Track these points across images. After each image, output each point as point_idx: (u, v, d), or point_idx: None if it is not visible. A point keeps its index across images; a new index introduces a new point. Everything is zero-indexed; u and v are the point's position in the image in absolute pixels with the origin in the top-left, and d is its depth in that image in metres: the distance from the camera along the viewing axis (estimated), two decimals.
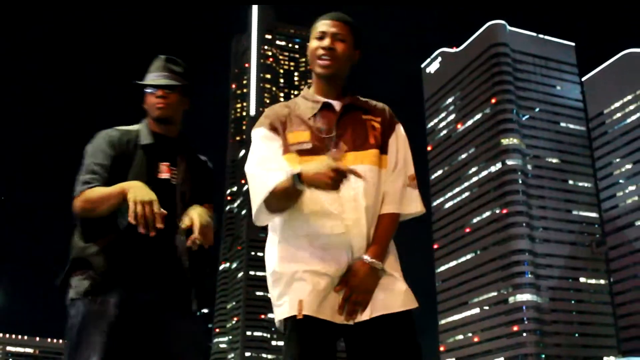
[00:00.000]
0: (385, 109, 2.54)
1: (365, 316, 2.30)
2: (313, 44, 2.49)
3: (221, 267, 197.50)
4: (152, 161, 2.69)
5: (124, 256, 2.58)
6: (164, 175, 2.69)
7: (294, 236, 2.38)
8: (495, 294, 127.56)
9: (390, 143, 2.47)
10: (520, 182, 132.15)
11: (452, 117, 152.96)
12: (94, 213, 2.57)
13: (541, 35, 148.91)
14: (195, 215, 2.52)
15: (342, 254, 2.33)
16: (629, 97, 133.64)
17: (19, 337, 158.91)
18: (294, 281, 2.34)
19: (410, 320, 2.34)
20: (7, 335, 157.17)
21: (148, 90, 2.77)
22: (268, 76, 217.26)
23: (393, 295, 2.33)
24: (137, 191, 2.46)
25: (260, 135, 2.45)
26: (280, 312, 2.35)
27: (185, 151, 2.79)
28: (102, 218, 2.59)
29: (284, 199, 2.32)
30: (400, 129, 2.53)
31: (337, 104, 2.46)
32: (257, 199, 2.35)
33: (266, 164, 2.38)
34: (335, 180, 2.18)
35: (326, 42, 2.45)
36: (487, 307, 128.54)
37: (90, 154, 2.67)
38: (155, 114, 2.74)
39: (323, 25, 2.48)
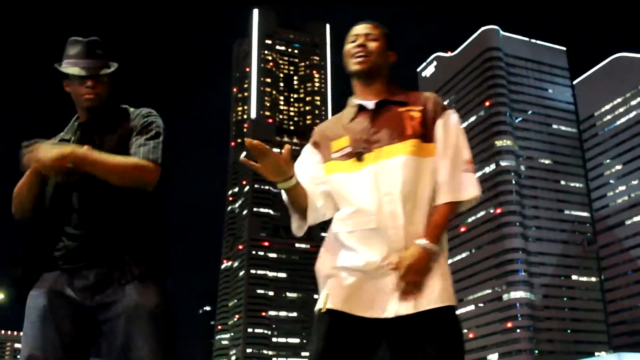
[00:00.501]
0: (430, 98, 2.53)
1: (407, 310, 2.28)
2: (347, 46, 2.56)
3: (223, 266, 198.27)
4: None
5: (43, 244, 2.58)
6: None
7: (334, 234, 2.47)
8: (489, 291, 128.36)
9: (436, 131, 2.45)
10: (513, 182, 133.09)
11: None
12: (19, 207, 2.59)
13: (533, 40, 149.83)
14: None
15: (376, 251, 2.34)
16: (619, 100, 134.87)
17: None
18: (327, 278, 2.43)
19: (452, 317, 2.33)
20: (15, 333, 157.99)
21: (73, 77, 2.64)
22: (268, 80, 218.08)
23: (433, 291, 2.31)
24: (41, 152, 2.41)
25: (304, 150, 2.62)
26: (316, 306, 2.43)
27: (106, 124, 2.66)
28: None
29: (290, 204, 2.52)
30: (450, 116, 2.49)
31: (370, 104, 2.51)
32: (293, 217, 2.57)
33: (300, 177, 2.48)
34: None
35: (359, 40, 2.53)
36: (481, 304, 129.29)
37: None
38: (85, 104, 2.65)
39: (355, 30, 2.57)
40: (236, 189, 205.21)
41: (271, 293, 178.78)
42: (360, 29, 2.56)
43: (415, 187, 2.37)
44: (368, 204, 2.36)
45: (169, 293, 2.55)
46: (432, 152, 2.43)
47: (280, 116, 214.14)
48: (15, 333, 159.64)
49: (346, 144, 2.46)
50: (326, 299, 2.35)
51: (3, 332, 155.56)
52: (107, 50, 2.69)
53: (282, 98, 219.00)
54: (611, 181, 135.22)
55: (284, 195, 2.48)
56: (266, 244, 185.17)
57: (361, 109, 2.52)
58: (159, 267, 2.57)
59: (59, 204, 2.57)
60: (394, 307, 2.29)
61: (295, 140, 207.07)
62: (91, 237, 2.53)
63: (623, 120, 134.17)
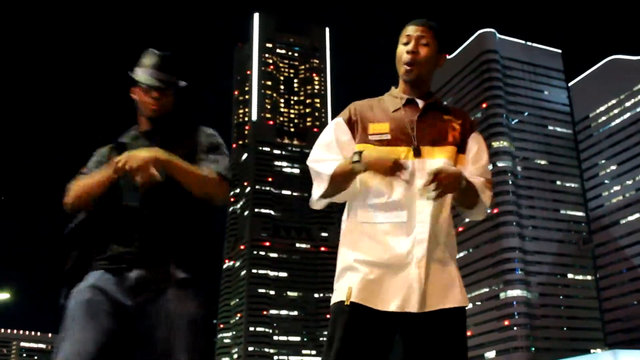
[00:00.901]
0: (467, 115, 2.62)
1: (421, 308, 2.30)
2: (400, 48, 2.56)
3: (225, 266, 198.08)
4: (120, 153, 2.61)
5: (90, 241, 2.63)
6: None
7: (358, 224, 2.45)
8: (487, 290, 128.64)
9: (469, 144, 2.53)
10: (510, 183, 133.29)
11: None
12: (80, 203, 2.63)
13: (529, 43, 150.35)
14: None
15: (402, 244, 2.35)
16: (613, 102, 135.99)
17: (32, 333, 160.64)
18: (348, 270, 2.41)
19: (463, 318, 2.38)
20: (21, 332, 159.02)
21: (142, 86, 2.73)
22: (269, 83, 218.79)
23: (451, 291, 2.35)
24: (129, 156, 2.48)
25: (336, 122, 2.57)
26: (333, 297, 2.43)
27: (167, 134, 2.74)
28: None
29: (340, 181, 2.42)
30: (480, 137, 2.58)
31: (420, 102, 2.53)
32: (318, 188, 2.50)
33: (328, 152, 2.50)
34: (392, 169, 2.30)
35: (411, 45, 2.51)
36: (479, 303, 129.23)
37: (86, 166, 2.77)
38: (148, 114, 2.73)
39: (409, 30, 2.55)
40: (237, 190, 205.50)
41: (272, 292, 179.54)
42: (414, 30, 2.56)
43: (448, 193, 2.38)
44: (402, 197, 2.39)
45: (209, 300, 2.64)
46: (463, 162, 2.51)
47: (281, 118, 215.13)
48: (21, 332, 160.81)
49: (385, 130, 2.47)
50: (349, 293, 2.34)
51: (9, 330, 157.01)
52: (179, 67, 2.81)
53: (282, 100, 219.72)
54: (606, 181, 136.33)
55: (343, 173, 2.44)
56: (267, 244, 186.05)
57: (409, 102, 2.55)
58: (201, 274, 2.64)
59: (112, 205, 2.64)
60: (416, 302, 2.31)
61: (295, 142, 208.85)
62: (141, 240, 2.59)
63: (617, 121, 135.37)
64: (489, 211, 2.58)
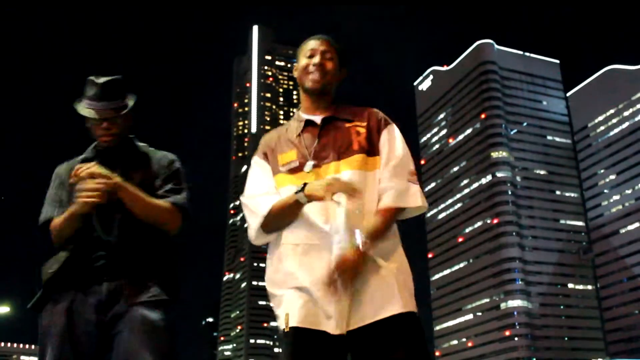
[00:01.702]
0: (373, 113, 2.55)
1: (360, 323, 2.25)
2: (303, 61, 2.58)
3: (225, 278, 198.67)
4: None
5: (65, 263, 2.62)
6: None
7: (282, 246, 2.42)
8: (487, 300, 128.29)
9: (380, 144, 2.48)
10: (509, 193, 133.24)
11: (443, 132, 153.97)
12: (60, 240, 2.68)
13: (527, 54, 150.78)
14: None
15: (322, 263, 2.30)
16: (612, 111, 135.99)
17: (32, 346, 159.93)
18: (282, 295, 2.38)
19: (412, 323, 2.29)
20: (21, 345, 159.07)
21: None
22: (268, 95, 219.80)
23: (384, 300, 2.27)
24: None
25: (253, 162, 2.60)
26: (279, 324, 2.39)
27: (126, 158, 2.76)
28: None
29: (283, 215, 2.39)
30: (392, 129, 2.52)
31: (318, 119, 2.52)
32: (253, 224, 2.46)
33: (257, 188, 2.50)
34: (327, 189, 2.27)
35: (316, 59, 2.54)
36: (480, 313, 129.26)
37: (50, 187, 2.84)
38: (102, 145, 2.76)
39: (312, 44, 2.59)
40: (237, 202, 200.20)
41: (273, 304, 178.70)
42: (317, 44, 2.59)
43: (362, 201, 2.36)
44: (314, 218, 2.36)
45: (172, 317, 2.63)
46: (378, 165, 2.46)
47: None
48: (21, 345, 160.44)
49: (293, 157, 2.48)
50: (287, 319, 2.32)
51: (9, 344, 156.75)
52: (123, 88, 2.77)
53: (282, 112, 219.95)
54: (605, 191, 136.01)
55: (288, 208, 2.40)
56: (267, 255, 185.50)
57: (308, 123, 2.55)
58: (167, 295, 2.64)
59: (83, 226, 2.66)
60: (348, 319, 2.28)
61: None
62: (109, 258, 2.61)
63: (616, 131, 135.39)
64: (422, 204, 2.46)
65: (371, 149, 2.48)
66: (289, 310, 2.34)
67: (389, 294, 2.30)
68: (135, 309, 2.55)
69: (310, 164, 2.45)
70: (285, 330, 2.32)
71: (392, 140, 2.52)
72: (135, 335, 2.49)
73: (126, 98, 2.78)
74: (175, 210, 2.70)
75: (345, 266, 2.26)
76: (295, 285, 2.36)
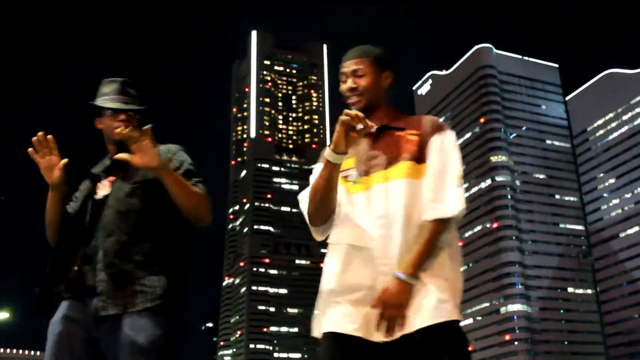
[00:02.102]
0: (427, 121, 2.53)
1: (398, 334, 2.25)
2: (342, 87, 2.59)
3: (225, 283, 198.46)
4: (94, 183, 2.78)
5: (60, 268, 2.63)
6: (103, 191, 2.74)
7: (331, 249, 2.48)
8: (487, 304, 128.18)
9: (428, 150, 2.45)
10: (509, 197, 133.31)
11: None
12: (50, 232, 2.76)
13: (526, 58, 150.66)
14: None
15: (369, 270, 2.33)
16: (611, 115, 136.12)
17: (32, 352, 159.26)
18: (323, 300, 2.43)
19: (446, 334, 2.25)
20: (20, 351, 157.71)
21: (107, 113, 2.74)
22: (267, 100, 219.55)
23: (425, 310, 2.25)
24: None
25: (317, 165, 2.62)
26: (313, 331, 2.44)
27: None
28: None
29: (320, 191, 2.44)
30: (445, 136, 2.47)
31: (373, 128, 2.51)
32: (305, 215, 2.55)
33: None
34: (343, 124, 2.34)
35: (348, 83, 2.55)
36: (479, 318, 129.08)
37: None
38: (117, 137, 2.65)
39: (343, 67, 2.58)
40: (237, 207, 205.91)
41: (272, 309, 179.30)
42: (347, 65, 2.59)
43: (409, 210, 2.37)
44: (365, 227, 2.38)
45: (173, 325, 2.59)
46: (425, 172, 2.46)
47: (279, 135, 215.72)
48: (20, 351, 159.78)
49: (352, 165, 2.50)
50: (319, 324, 2.38)
51: (9, 350, 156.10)
52: (139, 91, 2.85)
53: (280, 117, 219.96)
54: (605, 195, 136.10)
55: (324, 177, 2.44)
56: (267, 260, 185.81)
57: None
58: (163, 299, 2.58)
59: (77, 229, 2.69)
60: (382, 334, 2.28)
61: (294, 159, 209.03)
62: (107, 268, 2.60)
63: (615, 134, 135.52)
64: (458, 211, 2.38)
65: (421, 156, 2.46)
66: (324, 315, 2.38)
67: (428, 305, 2.28)
68: (125, 326, 2.51)
69: (354, 173, 2.49)
70: (319, 336, 2.35)
71: (440, 145, 2.47)
72: (129, 354, 2.48)
73: (140, 101, 2.85)
74: (206, 195, 2.68)
75: (392, 304, 2.27)
76: (336, 289, 2.38)
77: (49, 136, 2.73)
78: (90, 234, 2.68)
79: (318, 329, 2.40)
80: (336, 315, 2.35)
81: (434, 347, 2.24)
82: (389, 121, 2.57)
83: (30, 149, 2.73)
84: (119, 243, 2.62)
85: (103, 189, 2.78)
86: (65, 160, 2.76)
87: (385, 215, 2.38)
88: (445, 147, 2.47)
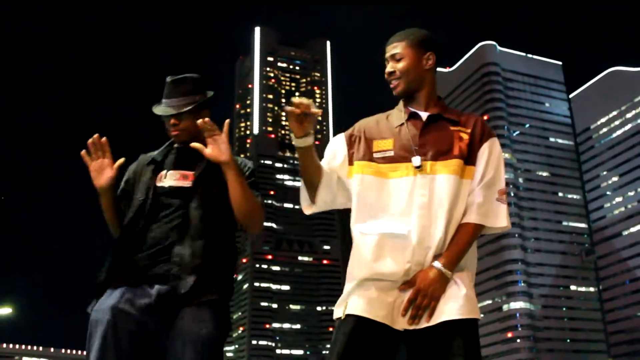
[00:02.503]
0: (479, 121, 2.50)
1: (424, 323, 2.26)
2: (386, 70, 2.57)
3: None
4: (157, 172, 2.78)
5: (117, 260, 2.63)
6: (168, 182, 2.74)
7: (361, 235, 2.42)
8: (490, 302, 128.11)
9: (479, 155, 2.42)
10: (512, 195, 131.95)
11: None
12: (111, 228, 2.80)
13: (530, 55, 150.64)
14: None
15: (402, 258, 2.31)
16: (614, 113, 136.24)
17: (34, 347, 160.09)
18: (352, 283, 2.39)
19: (469, 330, 2.26)
20: (23, 347, 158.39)
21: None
22: (270, 96, 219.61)
23: (453, 304, 2.26)
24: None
25: (336, 139, 2.61)
26: (335, 312, 2.41)
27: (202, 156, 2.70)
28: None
29: (304, 166, 2.51)
30: (494, 143, 2.46)
31: (424, 114, 2.48)
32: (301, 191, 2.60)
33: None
34: (289, 112, 2.37)
35: (388, 67, 2.53)
36: (482, 315, 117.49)
37: None
38: (173, 139, 2.83)
39: (385, 52, 2.56)
40: None
41: (275, 305, 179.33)
42: (387, 50, 2.57)
43: (451, 206, 2.36)
44: (402, 214, 2.36)
45: (226, 322, 2.64)
46: (471, 175, 2.42)
47: (283, 131, 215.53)
48: (24, 346, 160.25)
49: (389, 147, 2.45)
50: (345, 307, 2.35)
51: (11, 345, 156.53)
52: (196, 85, 2.83)
53: (284, 114, 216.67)
54: (608, 193, 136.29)
55: (300, 159, 2.51)
56: (269, 257, 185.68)
57: (412, 116, 2.51)
58: (222, 296, 2.63)
59: (141, 219, 2.70)
60: (407, 320, 2.30)
61: (297, 155, 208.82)
62: (164, 255, 2.61)
63: (619, 132, 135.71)
64: (507, 224, 2.44)
65: (470, 157, 2.43)
66: (351, 298, 2.36)
67: (453, 299, 2.29)
68: (186, 315, 2.51)
69: (417, 158, 2.42)
70: (342, 318, 2.33)
71: (491, 154, 2.46)
72: (184, 348, 2.47)
73: (198, 95, 2.83)
74: (262, 207, 2.69)
75: (427, 293, 2.29)
76: (369, 272, 2.36)
77: (104, 138, 2.77)
78: (156, 223, 2.69)
79: (342, 310, 2.37)
80: (364, 299, 2.33)
81: (456, 341, 2.24)
82: (440, 110, 2.53)
83: (82, 152, 2.75)
84: (202, 240, 2.63)
85: (170, 178, 2.78)
86: (122, 160, 2.80)
87: (427, 206, 2.36)
88: (496, 157, 2.47)
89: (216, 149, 2.66)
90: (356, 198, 2.48)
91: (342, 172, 2.54)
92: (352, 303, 2.35)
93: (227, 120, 2.75)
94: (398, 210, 2.38)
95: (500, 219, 2.42)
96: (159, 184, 2.77)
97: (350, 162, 2.53)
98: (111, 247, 2.72)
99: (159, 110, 2.80)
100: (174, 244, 2.62)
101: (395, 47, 2.54)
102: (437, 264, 2.30)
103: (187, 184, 2.74)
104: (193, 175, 2.76)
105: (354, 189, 2.50)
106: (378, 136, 2.51)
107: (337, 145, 2.60)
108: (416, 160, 2.41)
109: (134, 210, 2.73)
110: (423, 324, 2.29)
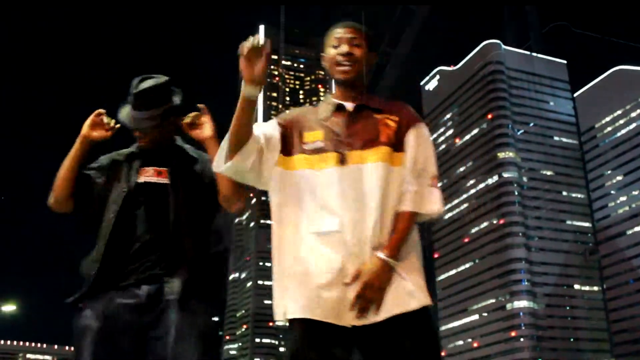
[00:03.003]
0: (405, 107, 2.50)
1: (373, 318, 2.21)
2: (330, 52, 2.50)
3: (231, 277, 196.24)
4: (130, 169, 2.74)
5: (105, 261, 2.56)
6: (146, 178, 2.71)
7: (292, 230, 2.34)
8: (493, 301, 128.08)
9: (407, 141, 2.41)
10: (516, 193, 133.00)
11: (450, 132, 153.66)
12: (57, 193, 2.68)
13: (534, 54, 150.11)
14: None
15: (336, 253, 2.25)
16: (619, 112, 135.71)
17: (38, 345, 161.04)
18: (288, 283, 2.30)
19: (421, 320, 2.24)
20: (27, 344, 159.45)
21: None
22: (274, 94, 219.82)
23: (401, 296, 2.23)
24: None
25: (269, 123, 2.50)
26: (275, 313, 2.33)
27: (176, 156, 2.75)
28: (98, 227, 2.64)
29: (236, 125, 2.33)
30: (421, 128, 2.45)
31: (350, 105, 2.45)
32: (221, 149, 2.39)
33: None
34: (242, 50, 2.31)
35: (343, 48, 2.46)
36: (485, 314, 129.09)
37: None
38: (141, 147, 2.80)
39: (338, 33, 2.49)
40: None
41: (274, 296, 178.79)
42: (343, 32, 2.51)
43: (382, 194, 2.31)
44: (333, 206, 2.30)
45: (219, 312, 2.67)
46: (401, 162, 2.39)
47: None
48: (27, 344, 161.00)
49: (319, 138, 2.41)
50: (285, 310, 2.28)
51: (15, 342, 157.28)
52: (162, 94, 2.76)
53: (288, 112, 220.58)
54: (612, 192, 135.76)
55: (238, 112, 2.37)
56: None
57: (339, 108, 2.48)
58: (213, 287, 2.63)
59: (123, 220, 2.65)
60: (355, 314, 2.23)
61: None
62: (150, 254, 2.60)
63: (623, 131, 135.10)
64: (440, 210, 2.43)
65: (398, 144, 2.42)
66: (291, 300, 2.29)
67: (402, 292, 2.26)
68: (176, 311, 2.50)
69: (345, 149, 2.39)
70: (285, 322, 2.28)
71: (420, 139, 2.45)
72: (177, 342, 2.46)
73: (162, 106, 2.77)
74: (243, 187, 2.67)
75: (373, 285, 2.23)
76: (302, 272, 2.29)
77: (113, 121, 2.84)
78: (138, 220, 2.68)
79: (282, 314, 2.30)
80: (302, 299, 2.26)
81: (408, 332, 2.23)
82: (367, 101, 2.50)
83: (101, 110, 2.84)
84: (186, 235, 2.63)
85: (144, 175, 2.77)
86: (117, 125, 2.85)
87: (359, 197, 2.31)
88: (425, 142, 2.46)
89: (199, 128, 2.79)
90: (282, 190, 2.43)
91: (269, 155, 2.42)
92: (292, 305, 2.28)
93: (203, 105, 2.83)
94: (328, 204, 2.32)
95: (434, 205, 2.41)
96: (137, 180, 2.76)
97: (283, 151, 2.46)
98: (97, 246, 2.67)
99: (125, 117, 2.78)
100: (158, 242, 2.61)
101: (354, 33, 2.51)
102: (381, 255, 2.26)
103: (163, 180, 2.73)
104: (167, 172, 2.75)
105: (279, 179, 2.44)
106: (308, 128, 2.47)
107: (271, 127, 2.49)
108: (344, 150, 2.38)
109: (115, 210, 2.69)
110: (372, 319, 2.23)
